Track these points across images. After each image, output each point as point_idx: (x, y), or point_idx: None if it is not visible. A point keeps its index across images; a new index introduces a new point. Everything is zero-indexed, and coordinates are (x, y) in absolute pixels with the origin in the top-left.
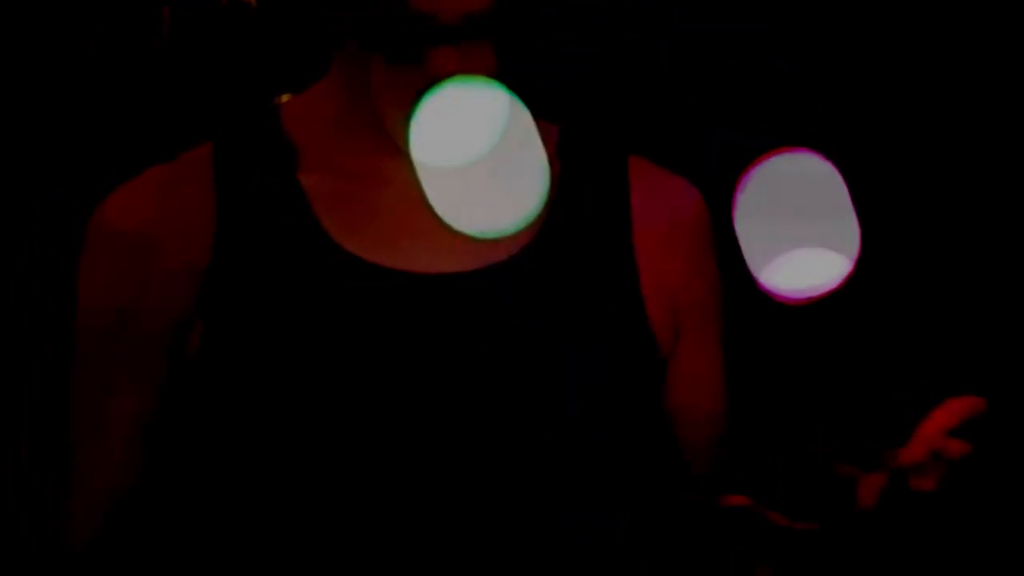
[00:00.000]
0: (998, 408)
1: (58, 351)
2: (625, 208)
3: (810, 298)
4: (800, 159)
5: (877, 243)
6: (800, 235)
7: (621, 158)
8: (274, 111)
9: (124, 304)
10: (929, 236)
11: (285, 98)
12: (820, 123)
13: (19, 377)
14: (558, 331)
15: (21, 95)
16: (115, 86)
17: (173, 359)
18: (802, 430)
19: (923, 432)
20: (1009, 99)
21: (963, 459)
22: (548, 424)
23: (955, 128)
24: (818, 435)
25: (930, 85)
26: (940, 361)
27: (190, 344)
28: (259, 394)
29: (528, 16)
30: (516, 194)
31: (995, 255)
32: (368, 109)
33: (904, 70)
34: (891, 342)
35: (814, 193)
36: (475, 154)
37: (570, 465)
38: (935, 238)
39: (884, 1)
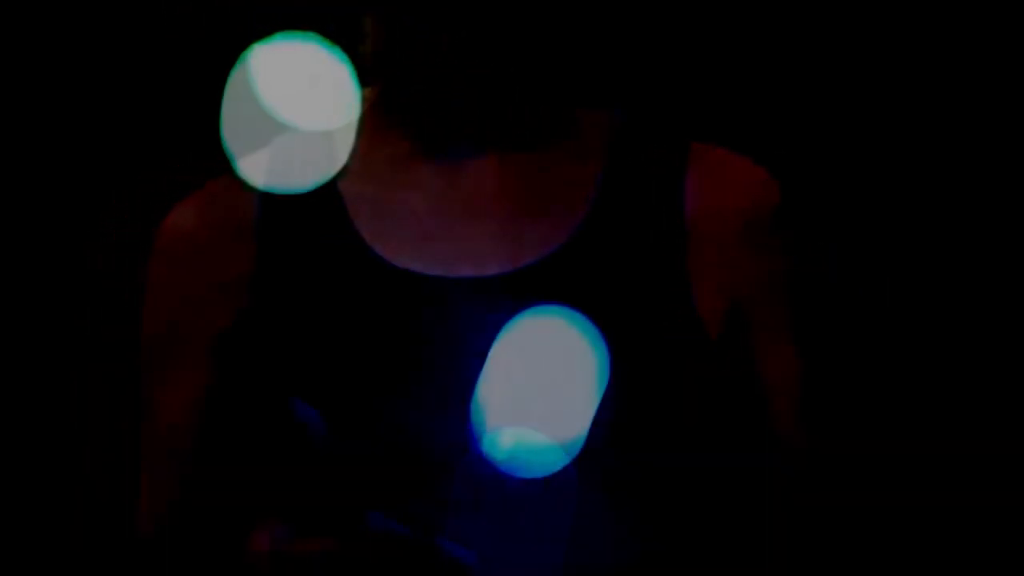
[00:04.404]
0: None
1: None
2: (679, 199)
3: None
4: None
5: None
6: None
7: (682, 145)
8: None
9: (172, 314)
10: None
11: (367, 92)
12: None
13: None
14: (597, 330)
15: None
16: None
17: (219, 362)
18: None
19: None
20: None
21: None
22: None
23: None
24: None
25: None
26: None
27: (234, 348)
28: (295, 399)
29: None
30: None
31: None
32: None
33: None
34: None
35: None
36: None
37: (607, 471)
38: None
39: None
